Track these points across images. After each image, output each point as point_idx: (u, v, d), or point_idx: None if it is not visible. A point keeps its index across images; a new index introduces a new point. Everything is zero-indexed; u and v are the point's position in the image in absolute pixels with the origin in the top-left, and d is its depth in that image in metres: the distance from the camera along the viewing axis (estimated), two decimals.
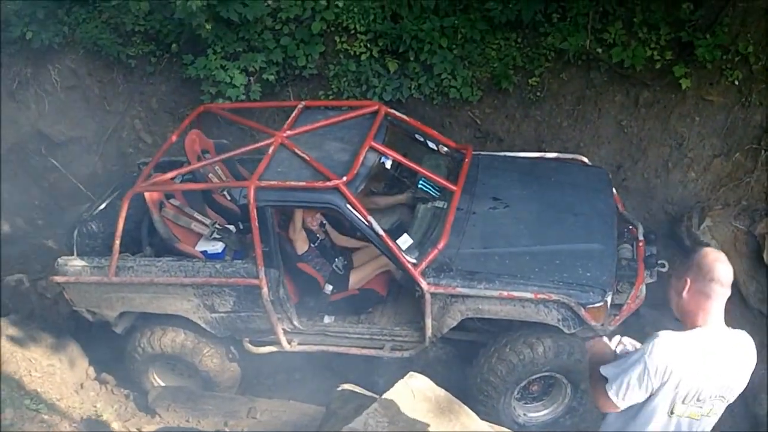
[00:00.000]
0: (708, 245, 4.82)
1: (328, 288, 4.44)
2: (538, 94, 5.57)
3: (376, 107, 4.58)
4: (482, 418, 3.64)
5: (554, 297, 3.84)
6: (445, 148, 4.84)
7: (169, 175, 4.35)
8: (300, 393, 4.80)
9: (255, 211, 4.01)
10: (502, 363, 4.08)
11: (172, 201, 4.53)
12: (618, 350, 2.50)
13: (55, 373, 4.66)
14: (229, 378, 4.77)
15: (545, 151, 5.25)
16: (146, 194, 4.32)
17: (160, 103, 6.21)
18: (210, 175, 4.78)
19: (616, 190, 4.80)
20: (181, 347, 4.60)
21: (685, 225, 5.16)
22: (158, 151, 4.82)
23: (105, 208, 4.73)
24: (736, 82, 5.19)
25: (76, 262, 4.46)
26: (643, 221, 4.82)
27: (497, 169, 4.78)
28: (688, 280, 2.25)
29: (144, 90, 6.21)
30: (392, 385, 3.54)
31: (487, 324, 4.28)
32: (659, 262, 4.26)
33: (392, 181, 4.99)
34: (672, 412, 2.31)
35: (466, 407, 3.54)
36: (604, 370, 2.35)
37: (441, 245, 4.04)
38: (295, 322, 4.38)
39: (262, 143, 4.35)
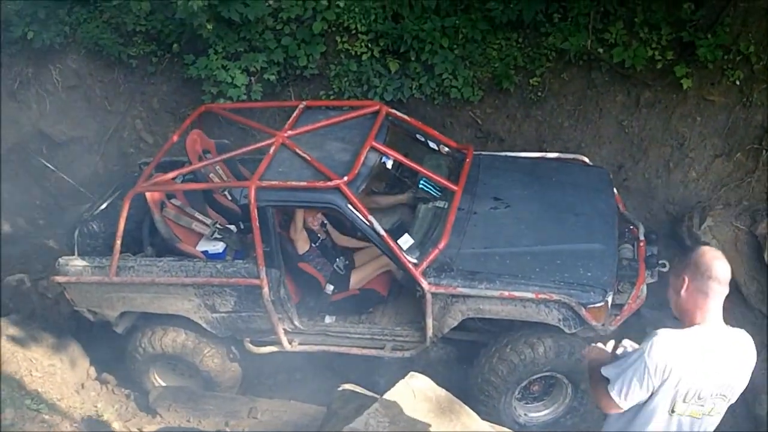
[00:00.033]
0: (709, 245, 4.82)
1: (329, 288, 4.44)
2: (539, 94, 5.57)
3: (377, 107, 4.58)
4: (483, 418, 3.64)
5: (555, 297, 3.84)
6: (446, 148, 4.84)
7: (170, 175, 4.35)
8: (301, 393, 4.80)
9: (256, 211, 4.02)
10: (503, 363, 4.08)
11: (173, 201, 4.54)
12: (618, 352, 2.50)
13: (56, 373, 4.66)
14: (230, 378, 4.77)
15: (546, 151, 5.25)
16: (147, 194, 4.32)
17: (162, 103, 6.22)
18: (211, 175, 4.78)
19: (617, 190, 4.81)
20: (182, 347, 4.60)
21: (686, 225, 5.16)
22: (159, 151, 4.83)
23: (106, 207, 4.74)
24: (738, 82, 5.19)
25: (77, 262, 4.46)
26: (644, 221, 4.81)
27: (498, 169, 4.78)
28: (686, 279, 2.26)
29: (145, 90, 6.22)
30: (393, 385, 3.54)
31: (488, 324, 4.27)
32: (660, 262, 4.26)
33: (393, 181, 4.99)
34: (673, 411, 2.31)
35: (467, 407, 3.54)
36: (605, 371, 2.36)
37: (442, 245, 4.04)
38: (296, 322, 4.38)
39: (263, 143, 4.35)
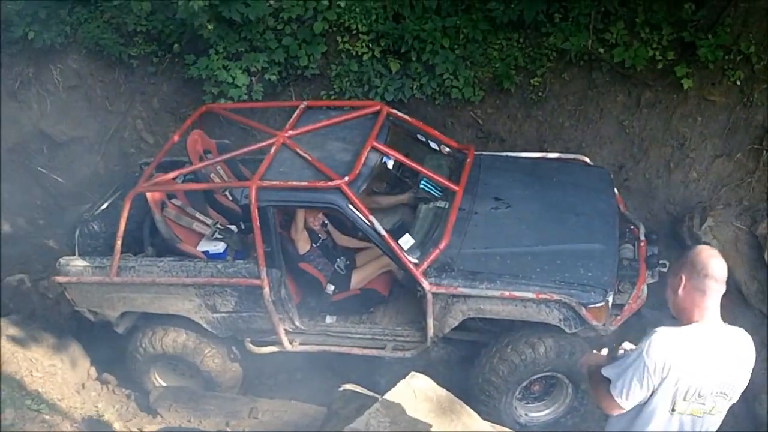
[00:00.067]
0: (709, 245, 4.81)
1: (330, 288, 4.44)
2: (540, 94, 5.57)
3: (378, 107, 4.58)
4: (484, 418, 3.64)
5: (556, 297, 3.84)
6: (447, 149, 4.85)
7: (171, 175, 4.35)
8: (302, 393, 4.80)
9: (257, 211, 4.01)
10: (503, 363, 4.08)
11: (173, 201, 4.54)
12: (619, 354, 2.51)
13: (57, 374, 4.65)
14: (231, 378, 4.77)
15: (547, 152, 5.25)
16: (148, 194, 4.32)
17: (162, 103, 6.22)
18: (212, 175, 4.78)
19: (618, 190, 4.81)
20: (182, 347, 4.60)
21: (686, 225, 5.16)
22: (160, 151, 4.82)
23: (107, 208, 4.74)
24: (738, 82, 5.19)
25: (78, 262, 4.46)
26: (645, 221, 4.82)
27: (499, 170, 4.78)
28: (683, 277, 2.27)
29: (146, 90, 6.22)
30: (394, 385, 3.55)
31: (488, 324, 4.28)
32: (660, 262, 4.26)
33: (394, 181, 4.99)
34: (673, 410, 2.31)
35: (467, 407, 3.55)
36: (606, 372, 2.37)
37: (443, 245, 4.04)
38: (297, 322, 4.38)
39: (264, 143, 4.35)
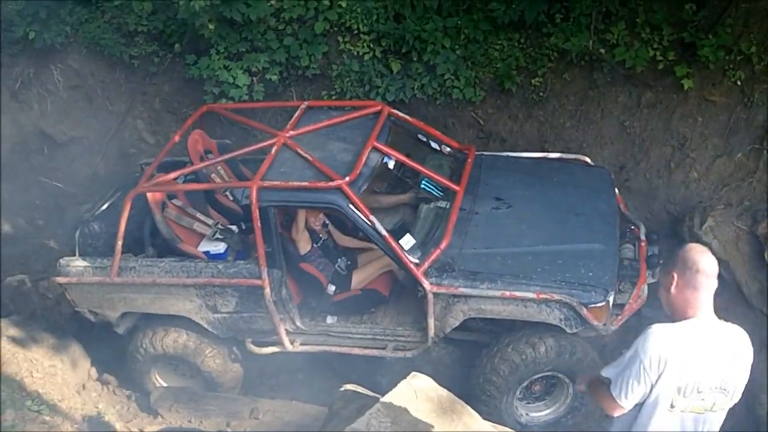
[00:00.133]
0: (710, 245, 4.83)
1: (331, 288, 4.44)
2: (541, 94, 5.57)
3: (379, 107, 4.59)
4: (485, 418, 3.64)
5: (556, 297, 3.85)
6: (448, 149, 4.84)
7: (172, 175, 4.35)
8: (302, 393, 4.80)
9: (258, 211, 4.01)
10: (504, 363, 4.08)
11: (174, 201, 4.53)
12: None
13: (57, 374, 4.65)
14: (232, 378, 4.77)
15: (548, 152, 5.24)
16: (149, 194, 4.32)
17: (163, 103, 6.22)
18: (212, 175, 4.78)
19: (619, 190, 4.81)
20: (183, 348, 4.59)
21: (687, 225, 5.16)
22: (161, 151, 4.82)
23: (107, 208, 4.73)
24: (739, 83, 5.19)
25: (78, 263, 4.46)
26: (645, 221, 4.82)
27: (500, 170, 4.79)
28: (675, 275, 2.30)
29: (147, 90, 6.22)
30: (395, 386, 3.54)
31: (489, 324, 4.28)
32: (661, 262, 4.26)
33: (395, 182, 4.99)
34: (673, 406, 2.32)
35: (468, 407, 3.54)
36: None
37: (443, 245, 4.04)
38: (298, 323, 4.37)
39: (264, 143, 4.35)
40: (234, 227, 4.65)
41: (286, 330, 4.40)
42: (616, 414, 2.42)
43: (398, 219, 4.77)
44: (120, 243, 4.26)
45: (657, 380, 2.28)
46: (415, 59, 5.52)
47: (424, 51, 5.45)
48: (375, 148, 4.22)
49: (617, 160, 5.58)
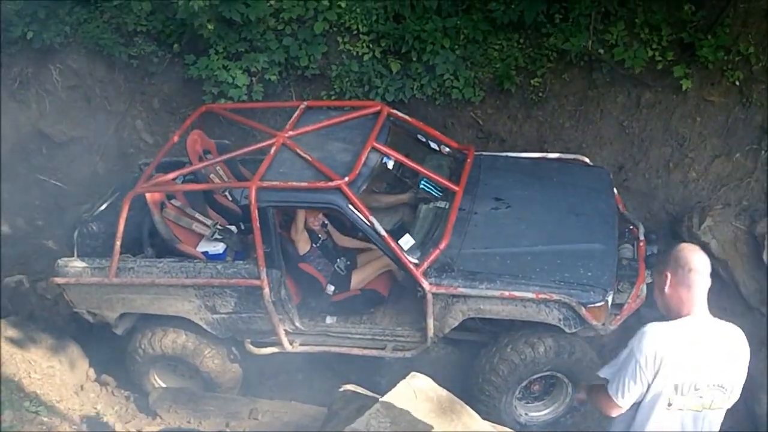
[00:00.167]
0: (708, 245, 4.84)
1: (330, 288, 4.43)
2: (540, 94, 5.57)
3: (379, 108, 4.58)
4: (484, 418, 3.63)
5: (555, 297, 3.85)
6: (447, 149, 4.85)
7: (171, 175, 4.35)
8: (302, 394, 4.80)
9: (257, 211, 4.01)
10: (503, 363, 4.09)
11: (173, 201, 4.53)
12: None
13: (55, 375, 4.64)
14: (231, 379, 4.76)
15: (547, 152, 5.25)
16: (147, 195, 4.31)
17: (162, 103, 6.21)
18: (211, 175, 4.78)
19: (618, 191, 4.81)
20: (182, 348, 4.59)
21: (685, 225, 5.17)
22: (160, 151, 4.82)
23: (106, 208, 4.73)
24: (737, 83, 5.21)
25: (77, 263, 4.45)
26: (644, 221, 4.82)
27: (499, 170, 4.79)
28: (668, 275, 2.32)
29: (145, 90, 6.21)
30: (394, 386, 3.53)
31: (488, 324, 4.28)
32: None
33: (394, 182, 4.99)
34: (670, 404, 2.32)
35: (468, 407, 3.54)
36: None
37: (443, 245, 4.04)
38: (297, 323, 4.37)
39: (264, 143, 4.35)
40: (233, 227, 4.65)
41: (286, 330, 4.40)
42: (614, 414, 2.43)
43: (397, 219, 4.78)
44: (118, 243, 4.25)
45: (653, 379, 2.28)
46: (414, 59, 5.52)
47: (424, 51, 5.45)
48: (374, 149, 4.22)
49: (616, 160, 5.58)
